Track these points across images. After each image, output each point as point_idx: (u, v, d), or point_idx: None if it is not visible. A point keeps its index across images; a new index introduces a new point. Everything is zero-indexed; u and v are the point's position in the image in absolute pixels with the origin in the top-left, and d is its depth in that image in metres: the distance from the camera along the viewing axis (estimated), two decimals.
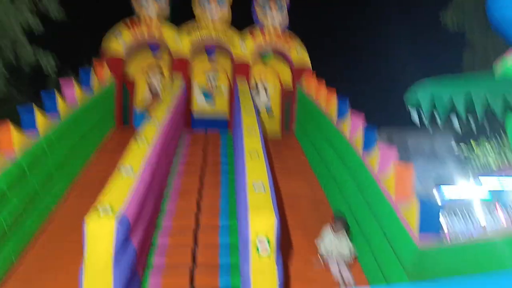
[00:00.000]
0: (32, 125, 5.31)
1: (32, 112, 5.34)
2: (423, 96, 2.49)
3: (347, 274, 4.33)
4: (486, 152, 13.33)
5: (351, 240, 4.55)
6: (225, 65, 9.83)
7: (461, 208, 15.20)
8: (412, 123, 2.71)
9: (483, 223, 12.47)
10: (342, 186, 5.47)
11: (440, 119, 2.52)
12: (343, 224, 4.54)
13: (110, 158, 6.53)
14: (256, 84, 10.08)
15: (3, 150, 4.66)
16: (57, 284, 3.96)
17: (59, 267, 4.20)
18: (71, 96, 6.59)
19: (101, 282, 3.25)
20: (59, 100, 6.06)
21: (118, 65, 8.86)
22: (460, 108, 2.39)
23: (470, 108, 2.45)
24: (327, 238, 4.46)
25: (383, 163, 4.72)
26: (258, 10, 9.83)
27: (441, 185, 14.39)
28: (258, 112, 7.55)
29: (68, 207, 5.39)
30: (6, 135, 4.75)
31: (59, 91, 6.53)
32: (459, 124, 2.59)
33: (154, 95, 9.26)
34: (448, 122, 2.65)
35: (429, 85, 2.55)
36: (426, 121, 2.58)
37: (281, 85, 10.09)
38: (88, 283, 3.26)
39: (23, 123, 5.32)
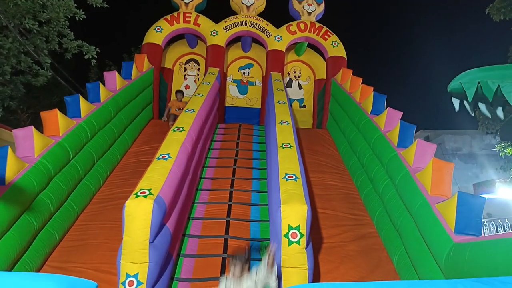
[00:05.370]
0: (77, 113, 5.58)
1: (77, 100, 5.61)
2: (468, 83, 2.35)
3: None
4: None
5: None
6: (260, 57, 9.86)
7: (498, 208, 14.56)
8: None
9: None
10: (375, 179, 5.40)
11: (486, 106, 2.38)
12: (244, 260, 3.15)
13: (149, 146, 6.80)
14: (290, 76, 10.05)
15: (51, 135, 4.94)
16: (96, 262, 4.16)
17: (98, 245, 4.43)
18: (114, 88, 6.85)
19: (138, 260, 3.41)
20: (102, 91, 6.30)
21: (156, 52, 8.95)
22: (509, 95, 2.24)
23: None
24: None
25: (419, 158, 4.63)
26: (294, 1, 9.78)
27: (478, 185, 13.85)
28: (290, 104, 7.55)
29: (108, 190, 5.63)
30: (53, 121, 5.02)
31: (101, 80, 6.82)
32: (503, 114, 2.47)
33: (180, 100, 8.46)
34: (492, 113, 2.51)
35: (475, 71, 2.42)
36: (469, 109, 2.45)
37: (315, 77, 10.01)
38: (126, 261, 3.42)
39: (69, 111, 5.61)
